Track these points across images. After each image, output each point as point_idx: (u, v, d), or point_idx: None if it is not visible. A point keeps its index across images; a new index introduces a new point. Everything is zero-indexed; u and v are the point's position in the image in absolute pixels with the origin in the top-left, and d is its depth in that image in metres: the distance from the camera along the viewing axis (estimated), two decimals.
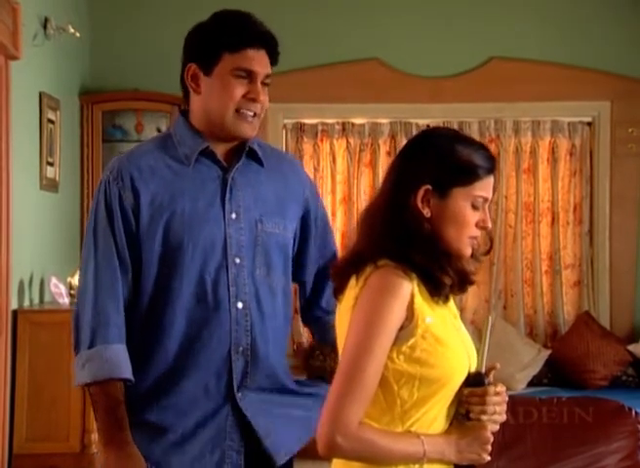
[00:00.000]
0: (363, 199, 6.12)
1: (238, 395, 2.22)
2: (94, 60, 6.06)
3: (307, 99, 5.77)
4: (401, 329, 1.73)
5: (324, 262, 2.41)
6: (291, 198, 2.34)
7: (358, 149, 6.22)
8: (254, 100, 2.21)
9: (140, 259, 2.20)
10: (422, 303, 1.75)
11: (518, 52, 6.11)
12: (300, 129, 6.21)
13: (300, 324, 5.29)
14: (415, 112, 6.07)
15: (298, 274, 2.42)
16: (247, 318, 2.22)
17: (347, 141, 6.23)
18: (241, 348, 2.21)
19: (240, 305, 2.22)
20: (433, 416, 1.78)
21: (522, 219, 6.21)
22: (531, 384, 5.77)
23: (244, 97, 2.20)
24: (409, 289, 1.73)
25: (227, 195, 2.23)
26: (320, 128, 6.21)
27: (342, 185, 6.26)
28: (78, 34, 5.35)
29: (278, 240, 2.29)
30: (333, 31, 6.10)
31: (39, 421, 4.56)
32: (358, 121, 6.22)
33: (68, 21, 5.28)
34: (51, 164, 5.26)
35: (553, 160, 6.22)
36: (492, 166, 1.83)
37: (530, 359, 5.83)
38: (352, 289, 1.78)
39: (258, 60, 2.21)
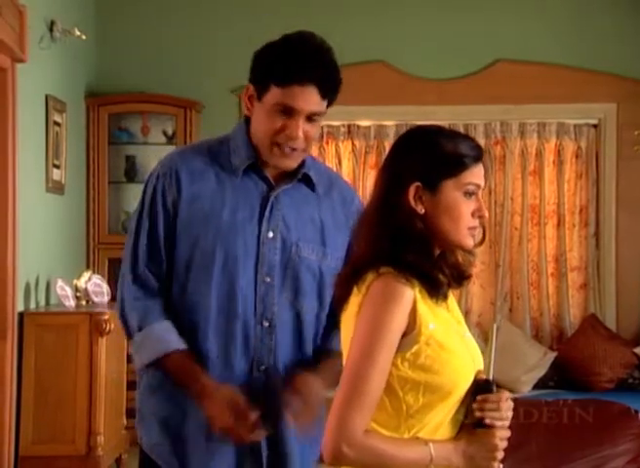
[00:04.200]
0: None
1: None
2: (100, 63, 6.07)
3: None
4: (404, 335, 1.72)
5: None
6: (336, 227, 2.30)
7: (364, 151, 6.23)
8: (289, 137, 2.14)
9: (170, 260, 2.21)
10: (425, 310, 1.75)
11: (524, 54, 6.10)
12: None
13: None
14: (420, 114, 6.05)
15: None
16: (271, 337, 2.19)
17: (353, 144, 6.24)
18: (263, 367, 2.18)
19: (266, 324, 2.19)
20: (439, 422, 1.77)
21: (528, 222, 6.20)
22: (536, 387, 5.75)
23: (280, 132, 2.15)
24: (411, 296, 1.73)
25: (267, 213, 2.20)
26: (326, 130, 6.21)
27: None
28: (84, 37, 5.37)
29: (311, 266, 2.22)
30: (338, 34, 6.05)
31: (45, 423, 4.56)
32: (364, 123, 6.22)
33: (75, 24, 5.29)
34: (57, 166, 5.27)
35: (559, 162, 6.21)
36: (478, 154, 1.81)
37: (536, 361, 5.82)
38: (355, 296, 1.78)
39: (302, 98, 2.12)
